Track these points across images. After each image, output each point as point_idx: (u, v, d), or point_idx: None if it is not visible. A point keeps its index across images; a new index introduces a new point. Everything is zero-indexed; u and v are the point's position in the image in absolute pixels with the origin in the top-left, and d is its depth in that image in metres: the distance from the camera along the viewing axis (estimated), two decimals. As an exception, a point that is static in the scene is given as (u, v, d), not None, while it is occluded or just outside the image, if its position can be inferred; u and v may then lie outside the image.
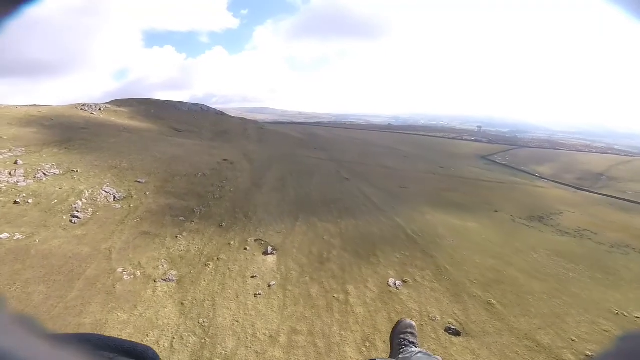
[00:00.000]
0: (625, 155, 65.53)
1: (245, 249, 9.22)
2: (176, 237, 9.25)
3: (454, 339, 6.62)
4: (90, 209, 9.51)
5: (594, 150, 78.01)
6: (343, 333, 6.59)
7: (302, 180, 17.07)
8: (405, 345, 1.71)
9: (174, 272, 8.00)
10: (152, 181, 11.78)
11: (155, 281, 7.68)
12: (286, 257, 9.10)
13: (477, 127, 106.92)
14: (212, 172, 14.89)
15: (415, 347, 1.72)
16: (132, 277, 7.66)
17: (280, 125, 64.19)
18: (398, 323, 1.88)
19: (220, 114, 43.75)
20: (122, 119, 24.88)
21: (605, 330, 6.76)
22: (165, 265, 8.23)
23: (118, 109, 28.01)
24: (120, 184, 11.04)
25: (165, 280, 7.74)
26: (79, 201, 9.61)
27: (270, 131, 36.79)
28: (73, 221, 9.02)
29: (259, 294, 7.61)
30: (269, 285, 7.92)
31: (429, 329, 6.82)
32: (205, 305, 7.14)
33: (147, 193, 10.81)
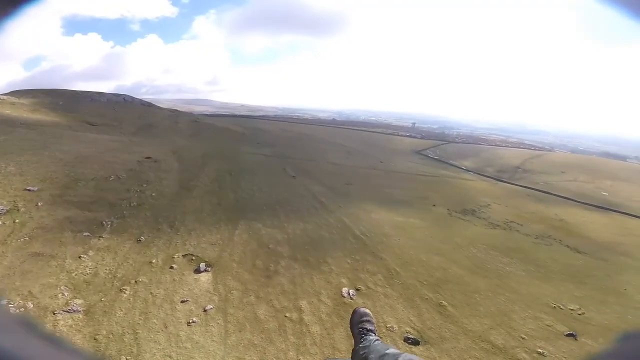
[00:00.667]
0: (534, 149, 76.74)
1: (172, 267, 7.68)
2: (79, 257, 7.28)
3: (414, 348, 6.23)
4: (-51, 231, 6.93)
5: (510, 145, 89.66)
6: (301, 358, 5.73)
7: (243, 181, 15.61)
8: (365, 334, 1.75)
9: (78, 302, 6.18)
10: (48, 188, 9.22)
11: (54, 313, 5.82)
12: (224, 273, 7.82)
13: (412, 123, 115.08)
14: (130, 173, 12.56)
15: (374, 334, 1.77)
16: (22, 309, 5.72)
17: (220, 118, 60.04)
18: (353, 313, 1.87)
19: (147, 105, 38.88)
20: (21, 112, 20.10)
21: (548, 325, 7.04)
22: (66, 294, 6.33)
23: (17, 100, 22.67)
24: (3, 194, 8.35)
25: (68, 311, 5.92)
26: None
27: (206, 125, 33.80)
28: None
29: (193, 322, 6.28)
30: (205, 310, 6.61)
31: (388, 340, 6.32)
32: (125, 339, 5.59)
33: (40, 204, 8.37)
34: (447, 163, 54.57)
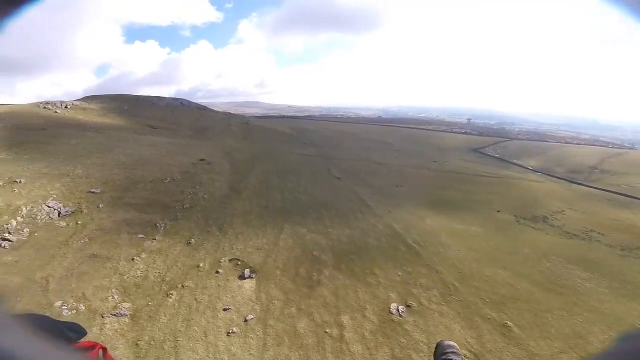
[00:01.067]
0: (613, 147, 66.06)
1: (217, 272, 7.70)
2: (132, 259, 7.65)
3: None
4: (26, 229, 7.79)
5: (582, 142, 78.48)
6: (337, 380, 5.27)
7: (289, 182, 15.54)
8: None
9: (126, 305, 6.45)
10: (109, 191, 10.04)
11: (102, 316, 6.13)
12: (267, 281, 7.62)
13: (467, 119, 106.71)
14: (185, 175, 13.20)
15: None
16: (73, 312, 6.10)
17: (268, 119, 62.08)
18: (437, 346, 1.78)
19: (202, 109, 41.56)
20: (91, 117, 22.74)
21: None
22: (116, 297, 6.66)
23: (88, 106, 25.76)
24: (69, 195, 9.28)
25: (115, 315, 6.20)
26: (13, 220, 7.87)
27: (256, 126, 34.94)
28: (3, 245, 7.32)
29: (233, 332, 6.15)
30: (246, 320, 6.46)
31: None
32: (165, 347, 5.65)
33: (101, 206, 9.09)
34: (509, 162, 49.43)
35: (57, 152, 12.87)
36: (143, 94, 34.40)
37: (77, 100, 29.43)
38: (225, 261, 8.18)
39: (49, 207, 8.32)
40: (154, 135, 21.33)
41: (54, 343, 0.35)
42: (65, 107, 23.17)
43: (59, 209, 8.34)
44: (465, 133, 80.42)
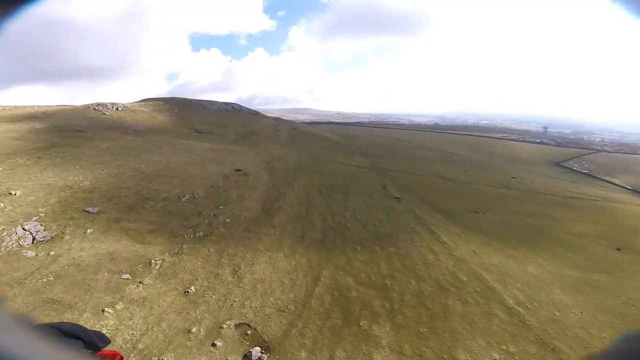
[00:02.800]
0: None
1: (214, 344, 5.01)
2: (103, 310, 5.31)
3: None
4: (-14, 259, 5.96)
5: None
6: None
7: (335, 202, 12.54)
8: None
9: None
10: (109, 210, 8.11)
11: None
12: (288, 377, 4.68)
13: (543, 128, 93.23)
14: (210, 191, 11.00)
15: None
16: None
17: (317, 125, 60.25)
18: None
19: (253, 114, 40.94)
20: (138, 119, 22.51)
21: None
22: None
23: (139, 108, 25.95)
24: (59, 215, 7.50)
25: None
26: (-24, 245, 6.12)
27: (303, 132, 32.81)
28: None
29: None
30: None
31: None
32: None
33: (89, 232, 7.08)
34: (600, 179, 40.43)
35: (79, 156, 11.75)
36: (197, 98, 34.63)
37: (134, 102, 30.33)
38: (229, 327, 5.45)
39: (24, 229, 6.51)
40: (196, 140, 20.16)
41: (74, 349, 0.45)
42: (117, 109, 23.41)
43: (35, 234, 6.47)
44: (541, 143, 69.81)
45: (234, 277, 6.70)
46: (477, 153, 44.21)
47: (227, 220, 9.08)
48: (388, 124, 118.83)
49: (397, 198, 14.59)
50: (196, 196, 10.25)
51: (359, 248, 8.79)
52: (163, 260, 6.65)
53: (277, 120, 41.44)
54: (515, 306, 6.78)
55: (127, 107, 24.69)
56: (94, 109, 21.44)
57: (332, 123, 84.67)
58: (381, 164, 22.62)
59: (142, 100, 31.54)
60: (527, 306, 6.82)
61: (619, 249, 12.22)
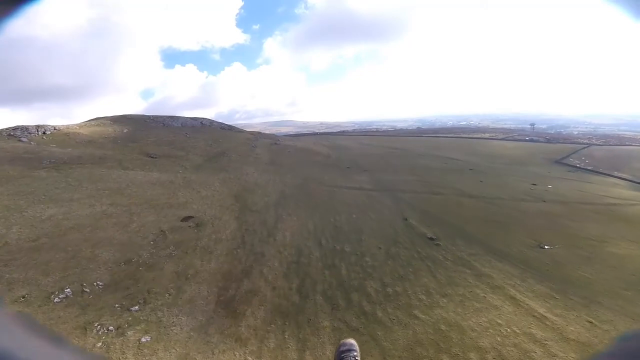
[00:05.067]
0: None
1: None
2: None
3: None
4: None
5: None
6: None
7: (345, 261, 7.76)
8: None
9: None
10: None
11: None
12: None
13: (530, 125, 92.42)
14: (121, 272, 5.92)
15: None
16: None
17: (301, 138, 55.63)
18: (339, 345, 1.82)
19: (227, 129, 35.78)
20: (68, 145, 17.03)
21: None
22: None
23: (77, 130, 20.44)
24: None
25: None
26: None
27: (286, 147, 27.94)
28: None
29: None
30: None
31: None
32: None
33: None
34: (609, 175, 37.50)
35: None
36: (156, 114, 29.26)
37: (81, 122, 24.75)
38: None
39: None
40: (142, 169, 14.90)
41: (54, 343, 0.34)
42: (43, 133, 17.84)
43: None
44: (531, 141, 67.88)
45: None
46: (476, 157, 40.57)
47: (143, 340, 4.01)
48: (372, 130, 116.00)
49: (432, 239, 9.87)
50: (87, 289, 5.13)
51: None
52: None
53: (255, 135, 36.40)
54: None
55: (61, 130, 19.15)
56: (9, 136, 15.87)
57: (316, 134, 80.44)
58: (387, 182, 17.99)
59: (90, 120, 25.95)
60: None
61: None
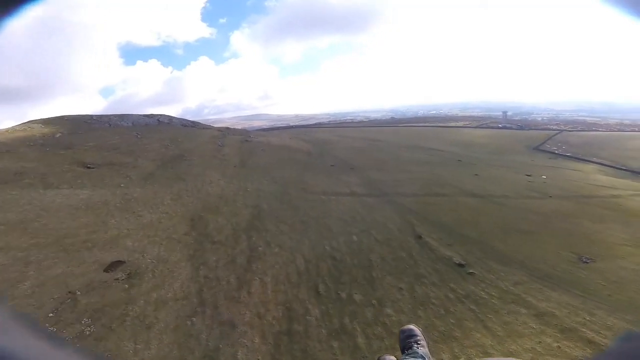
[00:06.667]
0: None
1: None
2: None
3: None
4: None
5: (637, 129, 65.72)
6: None
7: (359, 321, 5.15)
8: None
9: None
10: None
11: None
12: None
13: (503, 112, 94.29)
14: None
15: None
16: None
17: (275, 132, 52.07)
18: (401, 332, 1.79)
19: (190, 126, 31.71)
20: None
21: None
22: None
23: None
24: None
25: None
26: None
27: (259, 144, 24.65)
28: None
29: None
30: None
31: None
32: None
33: None
34: (588, 161, 37.90)
35: None
36: (103, 114, 24.83)
37: (14, 126, 20.05)
38: None
39: None
40: (70, 187, 11.25)
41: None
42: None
43: None
44: (504, 128, 68.94)
45: None
46: (457, 147, 39.36)
47: None
48: (347, 122, 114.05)
49: (462, 266, 7.48)
50: None
51: None
52: None
53: (224, 131, 32.56)
54: None
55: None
56: None
57: (292, 127, 76.83)
58: (379, 183, 15.50)
59: (21, 124, 21.13)
60: None
61: None
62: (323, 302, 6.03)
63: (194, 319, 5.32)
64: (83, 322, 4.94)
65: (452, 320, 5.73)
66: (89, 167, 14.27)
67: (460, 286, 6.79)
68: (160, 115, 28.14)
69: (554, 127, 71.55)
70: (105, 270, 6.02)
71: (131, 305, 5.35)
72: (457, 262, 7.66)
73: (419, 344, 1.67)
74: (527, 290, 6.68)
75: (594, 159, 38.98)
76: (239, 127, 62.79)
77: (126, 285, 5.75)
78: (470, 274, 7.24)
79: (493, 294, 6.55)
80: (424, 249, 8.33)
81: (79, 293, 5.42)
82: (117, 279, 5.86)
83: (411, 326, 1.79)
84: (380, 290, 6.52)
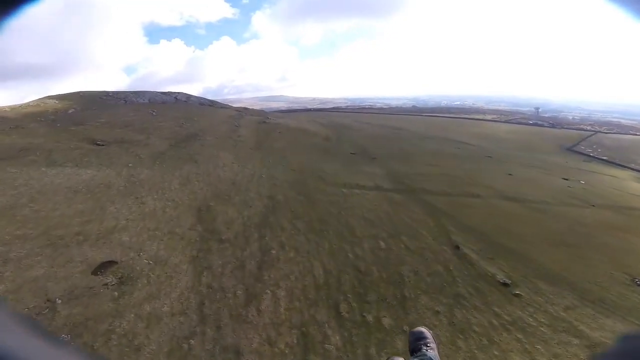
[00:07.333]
0: None
1: None
2: None
3: None
4: None
5: None
6: None
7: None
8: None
9: None
10: None
11: None
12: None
13: (535, 108, 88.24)
14: None
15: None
16: None
17: (293, 114, 50.65)
18: (410, 334, 1.75)
19: (208, 105, 30.81)
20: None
21: None
22: None
23: (4, 113, 15.64)
24: None
25: None
26: None
27: (277, 126, 23.50)
28: None
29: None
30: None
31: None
32: None
33: None
34: (627, 167, 34.78)
35: None
36: (115, 89, 24.23)
37: (28, 102, 19.76)
38: None
39: None
40: (74, 166, 10.54)
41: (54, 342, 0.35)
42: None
43: None
44: (535, 125, 64.72)
45: None
46: (485, 141, 36.92)
47: None
48: (367, 108, 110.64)
49: (507, 285, 6.30)
50: None
51: None
52: None
53: (241, 111, 31.53)
54: None
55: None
56: None
57: (309, 110, 75.05)
58: (405, 176, 14.15)
59: (37, 100, 20.79)
60: None
61: None
62: (345, 327, 4.99)
63: (192, 341, 4.39)
64: (60, 339, 4.10)
65: (496, 352, 4.68)
66: (98, 144, 13.58)
67: (505, 310, 5.65)
68: (178, 93, 27.26)
69: (588, 127, 66.59)
70: (94, 273, 5.15)
71: (119, 320, 4.46)
72: (501, 280, 6.44)
73: (428, 346, 1.63)
74: (579, 317, 5.56)
75: (632, 165, 35.83)
76: (257, 107, 61.61)
77: (116, 293, 4.87)
78: (517, 295, 6.05)
79: (542, 320, 5.42)
80: (463, 262, 7.11)
81: (59, 302, 4.56)
82: (106, 285, 4.99)
83: (421, 328, 1.75)
84: (413, 314, 5.44)
